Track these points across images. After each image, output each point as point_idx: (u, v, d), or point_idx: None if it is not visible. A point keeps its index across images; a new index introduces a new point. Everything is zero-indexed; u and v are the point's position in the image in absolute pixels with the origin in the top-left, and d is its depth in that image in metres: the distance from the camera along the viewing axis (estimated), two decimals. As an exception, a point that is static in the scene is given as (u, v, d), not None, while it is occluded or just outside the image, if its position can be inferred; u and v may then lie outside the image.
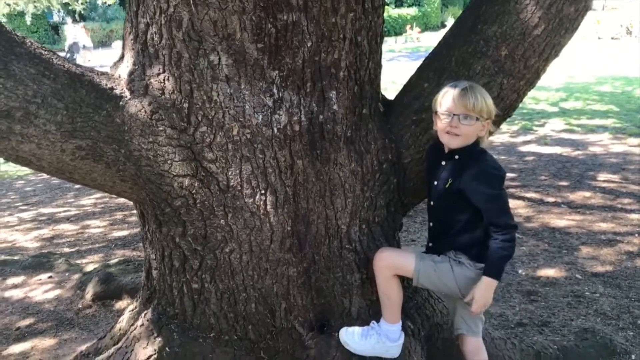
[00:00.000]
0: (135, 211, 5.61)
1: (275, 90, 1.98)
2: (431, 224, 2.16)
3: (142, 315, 2.33)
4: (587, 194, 5.52)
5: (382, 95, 2.34)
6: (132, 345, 2.22)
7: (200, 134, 2.00)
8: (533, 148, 7.78)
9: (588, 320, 3.08)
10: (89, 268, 3.80)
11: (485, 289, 2.00)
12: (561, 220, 4.77)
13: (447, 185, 2.02)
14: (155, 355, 2.14)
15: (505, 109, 2.14)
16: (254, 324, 2.17)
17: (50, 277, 3.87)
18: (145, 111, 2.00)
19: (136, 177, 2.07)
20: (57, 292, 3.63)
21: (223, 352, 2.13)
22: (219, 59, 1.94)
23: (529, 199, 5.50)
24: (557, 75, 14.79)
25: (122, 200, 6.15)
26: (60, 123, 1.93)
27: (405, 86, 2.29)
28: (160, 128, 2.01)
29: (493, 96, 2.07)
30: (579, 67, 17.01)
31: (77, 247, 4.63)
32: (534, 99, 12.26)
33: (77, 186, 6.90)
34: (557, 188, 5.85)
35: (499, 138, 8.57)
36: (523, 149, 7.77)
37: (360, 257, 2.18)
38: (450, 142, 2.00)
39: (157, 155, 2.02)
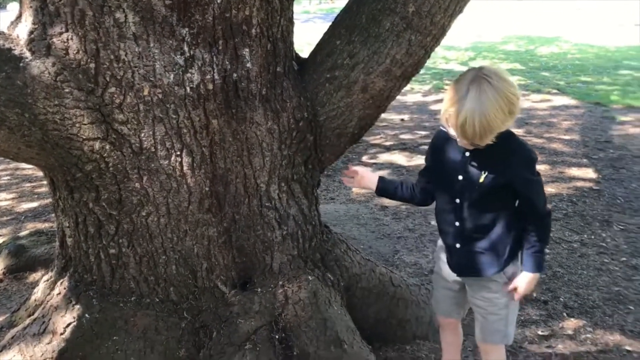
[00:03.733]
0: (44, 182, 5.37)
1: (186, 49, 1.94)
2: (457, 224, 1.92)
3: (59, 284, 2.27)
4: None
5: (296, 54, 2.35)
6: (50, 315, 2.16)
7: (109, 95, 1.94)
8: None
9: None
10: (-2, 241, 3.62)
11: (530, 281, 1.89)
12: (471, 174, 5.01)
13: (482, 180, 1.81)
14: (75, 323, 2.10)
15: (414, 65, 2.21)
16: (175, 286, 2.17)
17: (-46, 253, 3.65)
18: (49, 73, 1.91)
19: (43, 142, 1.98)
20: (-37, 268, 3.44)
21: (145, 315, 2.12)
22: (125, 16, 1.87)
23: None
24: (466, 35, 15.31)
25: (29, 171, 5.85)
26: (-45, 86, 1.81)
27: (318, 44, 2.31)
28: (66, 90, 1.92)
29: (401, 53, 2.14)
30: (486, 27, 17.64)
31: (-18, 221, 4.39)
32: (445, 59, 12.64)
33: (-22, 158, 6.48)
34: (467, 143, 6.11)
35: (411, 98, 8.80)
36: (435, 107, 8.02)
37: (280, 214, 2.22)
38: (460, 142, 1.81)
39: (64, 118, 1.94)
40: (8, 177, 5.69)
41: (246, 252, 2.23)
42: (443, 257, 2.08)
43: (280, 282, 2.23)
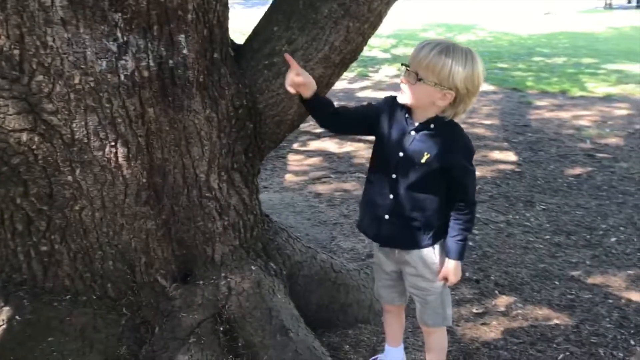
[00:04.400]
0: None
1: (119, 34, 1.85)
2: (391, 197, 1.92)
3: (-17, 286, 2.13)
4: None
5: (231, 40, 2.30)
6: (-25, 319, 2.03)
7: (37, 83, 1.82)
8: (370, 94, 8.18)
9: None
10: None
11: (457, 269, 1.94)
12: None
13: (423, 160, 1.83)
14: (4, 326, 1.98)
15: (352, 52, 2.22)
16: (113, 282, 2.09)
17: None
18: (-34, 59, 1.77)
19: (-38, 135, 1.85)
20: None
21: (82, 313, 2.03)
22: (52, 0, 1.76)
23: (370, 141, 5.77)
24: (387, 22, 15.59)
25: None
26: None
27: (254, 30, 2.27)
28: (-12, 78, 1.80)
29: (340, 39, 2.14)
30: (407, 15, 18.01)
31: None
32: (368, 46, 12.81)
33: None
34: (395, 129, 6.24)
35: (338, 85, 8.86)
36: (360, 94, 8.14)
37: (221, 204, 2.18)
38: (398, 97, 1.86)
39: (-15, 109, 1.81)
40: None
41: (186, 245, 2.17)
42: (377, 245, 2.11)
43: (223, 274, 2.20)
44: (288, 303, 2.29)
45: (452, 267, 1.94)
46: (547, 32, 15.17)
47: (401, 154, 1.88)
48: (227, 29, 2.19)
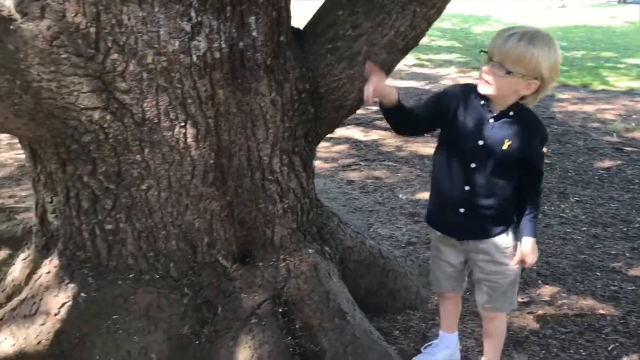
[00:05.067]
0: (-16, 156, 5.03)
1: (193, 14, 1.85)
2: (467, 188, 1.92)
3: (46, 262, 2.15)
4: (446, 123, 5.96)
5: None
6: (41, 295, 2.04)
7: (111, 61, 1.83)
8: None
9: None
10: (-53, 220, 3.36)
11: (534, 247, 1.95)
12: (427, 148, 5.11)
13: (505, 147, 1.84)
14: (70, 302, 2.00)
15: (416, 38, 2.21)
16: (175, 261, 2.10)
17: None
18: (44, 37, 1.77)
19: (35, 112, 1.85)
20: None
21: (146, 292, 2.05)
22: (129, -22, 1.77)
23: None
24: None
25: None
26: (-59, 49, 1.66)
27: (316, 14, 2.26)
28: (64, 56, 1.80)
29: (406, 25, 2.13)
30: (422, 5, 17.85)
31: None
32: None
33: None
34: (419, 118, 6.23)
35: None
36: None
37: (282, 187, 2.18)
38: (479, 89, 1.84)
39: (60, 86, 1.82)
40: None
41: (247, 226, 2.18)
42: (442, 236, 2.10)
43: (282, 256, 2.21)
44: (343, 287, 2.31)
45: (529, 246, 1.93)
46: (562, 25, 15.06)
47: (481, 142, 1.88)
48: (291, 13, 2.19)
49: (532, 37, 1.74)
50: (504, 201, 1.93)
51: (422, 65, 9.55)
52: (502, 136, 1.86)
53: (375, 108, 6.68)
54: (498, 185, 1.91)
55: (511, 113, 1.86)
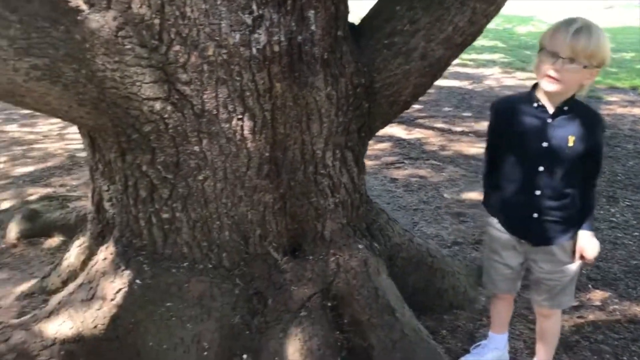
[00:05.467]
0: (36, 146, 5.19)
1: (254, 7, 1.87)
2: (537, 192, 1.90)
3: (103, 249, 2.20)
4: (489, 123, 5.87)
5: (345, 19, 2.29)
6: (97, 280, 2.10)
7: (174, 53, 1.86)
8: (438, 82, 8.06)
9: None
10: (4, 206, 3.48)
11: (595, 242, 1.94)
12: (471, 148, 5.07)
13: (570, 144, 1.82)
14: (126, 288, 2.04)
15: (474, 34, 2.19)
16: (227, 252, 2.13)
17: (-44, 217, 3.51)
18: (110, 27, 1.82)
19: (98, 101, 1.90)
20: (-29, 232, 3.31)
21: (199, 281, 2.08)
22: (193, -29, 1.79)
23: (438, 129, 5.76)
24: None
25: (16, 133, 5.64)
26: (14, 38, 1.71)
27: (374, 9, 2.26)
28: (128, 46, 1.84)
29: (464, 20, 2.11)
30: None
31: (-22, 185, 4.21)
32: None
33: (-44, 120, 6.22)
34: (462, 118, 6.18)
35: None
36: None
37: (333, 182, 2.19)
38: (547, 87, 1.79)
39: (124, 76, 1.86)
40: (-7, 141, 5.47)
41: (298, 219, 2.20)
42: (502, 239, 2.06)
43: (332, 250, 2.21)
44: (392, 284, 2.30)
45: (588, 240, 1.92)
46: (610, 27, 14.65)
47: (545, 145, 1.86)
48: (348, 8, 2.19)
49: (592, 27, 1.74)
50: (573, 201, 1.91)
51: (464, 65, 9.43)
52: (565, 133, 1.84)
53: (418, 106, 6.64)
54: (569, 185, 1.89)
55: (566, 108, 1.85)
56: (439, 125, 5.89)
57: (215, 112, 1.94)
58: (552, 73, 1.77)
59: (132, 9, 1.82)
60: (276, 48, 1.92)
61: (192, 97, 1.91)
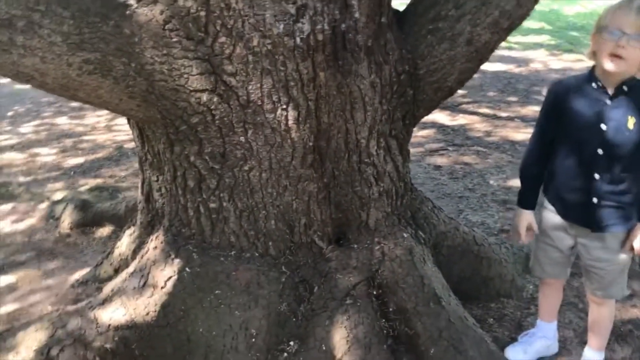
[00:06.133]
0: (85, 137, 5.34)
1: (298, -3, 1.87)
2: (596, 176, 1.85)
3: (153, 238, 2.26)
4: (536, 107, 5.73)
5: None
6: (148, 268, 2.16)
7: (220, 45, 1.89)
8: (485, 66, 7.92)
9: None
10: (58, 196, 3.61)
11: None
12: (518, 134, 4.96)
13: (631, 125, 1.77)
14: (176, 276, 2.10)
15: (521, 17, 2.14)
16: (274, 240, 2.16)
17: (14, 207, 3.66)
18: (157, 21, 1.85)
19: (147, 94, 1.94)
20: (28, 222, 3.44)
21: (246, 269, 2.12)
22: (238, -38, 1.80)
23: (483, 114, 5.66)
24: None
25: (66, 126, 5.81)
26: (67, 34, 1.76)
27: (417, -6, 2.23)
28: (175, 39, 1.87)
29: (512, 3, 2.06)
30: (508, -15, 17.17)
31: (33, 176, 4.37)
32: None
33: (10, 114, 6.45)
34: (508, 103, 6.05)
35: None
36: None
37: (377, 171, 2.18)
38: (609, 66, 1.73)
39: (172, 69, 1.89)
40: (46, 133, 5.66)
41: (343, 208, 2.20)
42: (554, 221, 2.03)
43: (376, 239, 2.22)
44: (437, 272, 2.29)
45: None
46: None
47: (604, 127, 1.81)
48: (391, -7, 2.16)
49: None
50: (631, 187, 1.85)
51: (510, 48, 9.20)
52: (624, 114, 1.79)
53: (462, 91, 6.52)
54: (630, 168, 1.83)
55: (625, 88, 1.80)
56: (484, 110, 5.79)
57: (260, 102, 1.96)
58: (617, 50, 1.71)
59: (178, 2, 1.85)
60: (320, 37, 1.92)
61: (237, 88, 1.93)
